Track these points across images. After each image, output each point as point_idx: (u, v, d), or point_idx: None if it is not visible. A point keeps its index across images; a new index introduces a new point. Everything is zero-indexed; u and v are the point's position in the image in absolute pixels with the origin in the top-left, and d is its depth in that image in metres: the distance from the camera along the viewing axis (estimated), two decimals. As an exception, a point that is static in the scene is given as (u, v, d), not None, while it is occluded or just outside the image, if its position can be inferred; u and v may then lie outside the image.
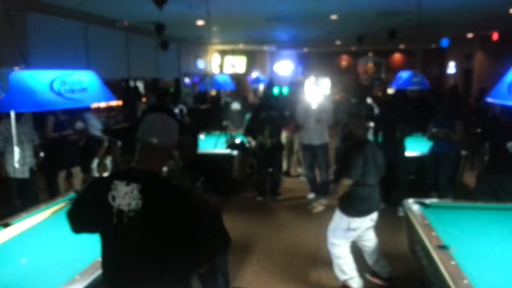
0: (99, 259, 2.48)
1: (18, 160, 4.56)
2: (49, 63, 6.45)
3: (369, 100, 7.38)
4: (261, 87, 14.78)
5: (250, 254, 4.81)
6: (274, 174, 6.95)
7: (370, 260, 4.13)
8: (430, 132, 5.97)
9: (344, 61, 20.87)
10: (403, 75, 9.41)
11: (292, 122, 7.05)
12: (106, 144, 7.86)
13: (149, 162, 1.92)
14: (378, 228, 5.40)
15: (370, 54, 20.31)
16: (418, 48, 19.13)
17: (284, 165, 8.00)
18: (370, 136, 6.25)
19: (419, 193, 5.01)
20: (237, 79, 14.91)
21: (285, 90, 10.73)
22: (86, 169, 7.42)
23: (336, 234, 3.90)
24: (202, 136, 7.91)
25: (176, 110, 9.34)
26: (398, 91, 8.72)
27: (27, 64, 5.55)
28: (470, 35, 13.88)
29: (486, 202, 4.15)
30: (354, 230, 3.87)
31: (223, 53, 17.56)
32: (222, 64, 17.54)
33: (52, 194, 6.01)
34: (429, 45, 17.71)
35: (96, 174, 7.62)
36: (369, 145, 4.03)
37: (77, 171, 6.64)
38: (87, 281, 2.37)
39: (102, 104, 9.39)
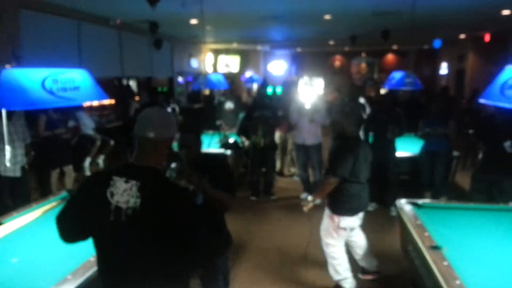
0: (91, 258, 2.48)
1: (10, 158, 4.51)
2: (41, 61, 6.42)
3: (361, 100, 7.41)
4: (255, 86, 14.80)
5: (243, 254, 4.81)
6: (268, 174, 6.95)
7: (357, 256, 4.15)
8: (424, 131, 6.00)
9: (338, 61, 20.92)
10: (396, 75, 9.45)
11: (285, 122, 7.05)
12: (98, 143, 7.82)
13: (148, 158, 1.88)
14: (371, 227, 5.44)
15: (363, 54, 20.37)
16: (411, 48, 19.22)
17: (278, 165, 8.01)
18: (361, 135, 6.28)
19: (412, 193, 5.04)
20: (230, 78, 14.90)
21: (278, 89, 10.75)
22: (79, 168, 7.38)
23: (329, 234, 3.90)
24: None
25: (169, 109, 9.31)
26: (388, 92, 8.77)
27: (19, 62, 5.49)
28: (462, 36, 13.97)
29: (478, 202, 4.17)
30: (345, 229, 3.87)
31: (216, 52, 17.54)
32: (215, 63, 17.52)
33: (43, 193, 5.97)
34: (422, 46, 17.80)
35: (88, 173, 7.58)
36: (360, 141, 4.03)
37: (69, 169, 6.60)
38: (79, 280, 2.35)
39: (95, 103, 9.35)
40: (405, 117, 6.09)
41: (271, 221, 5.97)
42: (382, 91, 9.99)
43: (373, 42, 13.94)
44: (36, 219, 3.44)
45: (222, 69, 17.27)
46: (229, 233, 3.09)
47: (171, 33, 11.96)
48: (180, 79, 14.34)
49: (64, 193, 4.04)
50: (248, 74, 17.01)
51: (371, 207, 6.20)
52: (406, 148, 6.47)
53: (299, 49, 20.16)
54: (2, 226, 3.20)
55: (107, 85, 9.81)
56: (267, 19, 9.54)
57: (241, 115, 7.49)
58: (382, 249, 4.85)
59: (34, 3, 7.00)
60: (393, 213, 5.66)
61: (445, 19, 9.81)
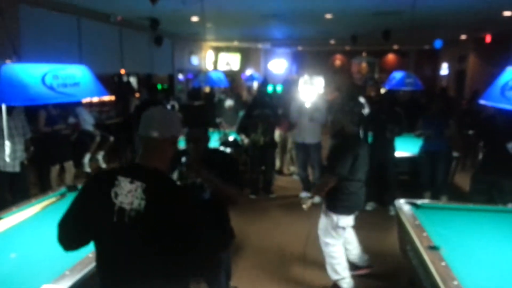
0: (90, 254, 2.48)
1: (9, 154, 4.51)
2: (41, 56, 6.42)
3: (361, 100, 7.41)
4: (255, 84, 14.77)
5: (241, 252, 4.81)
6: (267, 172, 6.96)
7: (348, 252, 4.16)
8: (424, 133, 6.00)
9: (338, 60, 20.91)
10: (397, 75, 9.46)
11: (285, 120, 7.05)
12: (98, 139, 7.82)
13: (153, 158, 1.85)
14: (370, 227, 5.45)
15: (364, 54, 20.36)
16: (411, 49, 19.21)
17: (277, 163, 8.01)
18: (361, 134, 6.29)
19: (411, 193, 5.05)
20: (231, 76, 14.90)
21: (279, 88, 10.73)
22: (78, 164, 7.38)
23: (327, 233, 3.90)
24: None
25: (168, 106, 9.30)
26: (388, 92, 8.77)
27: (19, 57, 5.50)
28: (463, 37, 13.96)
29: (477, 203, 4.18)
30: (344, 228, 3.88)
31: (217, 49, 17.52)
32: (216, 60, 17.50)
33: (43, 189, 5.96)
34: (423, 46, 17.79)
35: (88, 169, 7.58)
36: (360, 140, 4.06)
37: (69, 165, 6.60)
38: (77, 276, 2.35)
39: (95, 99, 9.34)
40: (405, 117, 6.10)
41: (270, 220, 5.97)
42: (382, 91, 9.98)
43: (374, 42, 13.93)
44: (35, 214, 3.44)
45: (222, 66, 17.25)
46: (232, 229, 3.09)
47: (172, 30, 11.95)
48: (180, 76, 14.32)
49: (63, 189, 4.05)
50: (248, 72, 16.99)
51: (370, 206, 6.22)
52: (406, 148, 6.48)
53: (300, 48, 20.15)
54: (1, 221, 3.20)
55: (107, 82, 9.79)
56: (268, 17, 9.54)
57: (241, 113, 7.49)
58: (380, 248, 4.86)
59: (35, -1, 7.00)
60: (392, 213, 5.67)
61: (446, 19, 9.81)
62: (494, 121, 4.94)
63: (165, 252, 1.72)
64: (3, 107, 3.91)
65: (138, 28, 10.37)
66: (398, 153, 6.21)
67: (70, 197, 3.85)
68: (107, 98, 10.02)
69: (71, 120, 6.76)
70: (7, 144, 4.32)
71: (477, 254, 2.94)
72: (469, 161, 8.12)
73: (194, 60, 15.10)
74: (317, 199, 3.93)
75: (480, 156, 5.30)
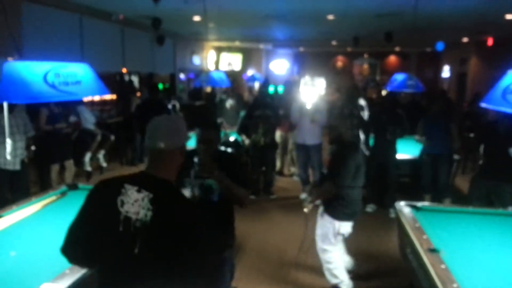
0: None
1: (10, 152, 4.51)
2: (43, 54, 6.42)
3: (361, 102, 7.39)
4: (256, 85, 14.78)
5: (241, 253, 4.81)
6: (267, 173, 6.96)
7: None
8: (421, 139, 6.01)
9: (340, 61, 20.91)
10: (398, 77, 9.47)
11: (286, 121, 7.05)
12: (99, 138, 7.81)
13: (161, 168, 1.83)
14: (370, 229, 5.45)
15: (365, 55, 20.36)
16: (413, 51, 19.21)
17: (278, 164, 8.01)
18: (361, 136, 6.29)
19: (411, 195, 5.04)
20: (232, 76, 14.89)
21: (280, 89, 10.74)
22: (79, 163, 7.38)
23: (326, 240, 3.88)
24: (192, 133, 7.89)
25: (169, 106, 9.31)
26: (389, 94, 8.77)
27: (21, 55, 5.51)
28: (465, 40, 13.96)
29: (477, 206, 4.17)
30: (343, 234, 3.90)
31: (219, 49, 17.53)
32: (218, 60, 17.51)
33: (43, 187, 5.97)
34: (424, 49, 17.79)
35: (88, 168, 7.58)
36: (358, 146, 4.07)
37: (70, 164, 6.60)
38: (77, 275, 2.35)
39: (96, 98, 9.34)
40: (406, 119, 6.10)
41: (270, 221, 5.97)
42: (384, 92, 9.98)
43: (376, 44, 13.93)
44: (35, 213, 3.44)
45: (224, 67, 17.26)
46: (234, 229, 3.10)
47: (174, 30, 11.95)
48: (182, 76, 14.33)
49: (63, 188, 4.05)
50: (250, 72, 17.00)
51: (370, 208, 6.22)
52: (407, 150, 6.47)
53: (301, 49, 20.15)
54: (1, 219, 3.20)
55: (109, 80, 9.80)
56: (270, 18, 9.54)
57: (242, 114, 7.49)
58: (380, 251, 4.86)
59: (37, -4, 7.00)
60: (392, 215, 5.67)
61: (447, 22, 9.81)
62: (496, 126, 4.93)
63: (170, 263, 1.68)
64: (5, 105, 3.92)
65: (140, 27, 10.38)
66: (399, 155, 6.21)
67: (71, 196, 3.88)
68: (109, 97, 10.03)
69: (72, 118, 6.76)
70: (8, 141, 4.33)
71: (477, 257, 2.94)
72: (469, 164, 8.12)
73: (196, 60, 15.11)
74: (318, 201, 3.93)
75: (480, 161, 5.29)
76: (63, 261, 2.42)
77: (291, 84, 10.25)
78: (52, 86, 3.45)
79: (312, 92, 6.73)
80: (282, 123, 7.17)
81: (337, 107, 7.06)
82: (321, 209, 4.00)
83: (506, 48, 11.25)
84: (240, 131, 7.00)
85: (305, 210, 3.88)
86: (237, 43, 16.79)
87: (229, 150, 6.53)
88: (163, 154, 1.83)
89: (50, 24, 7.39)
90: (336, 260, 3.89)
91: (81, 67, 3.86)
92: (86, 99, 7.89)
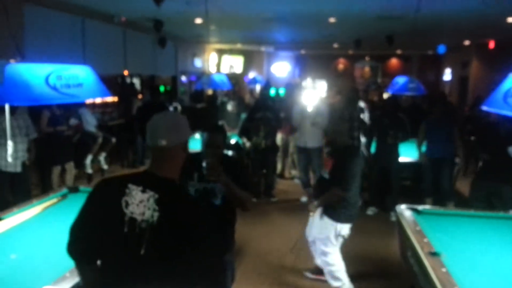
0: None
1: (11, 154, 4.52)
2: (45, 56, 6.43)
3: (361, 104, 7.39)
4: (258, 87, 14.79)
5: (242, 255, 4.80)
6: (268, 176, 6.95)
7: (317, 255, 4.21)
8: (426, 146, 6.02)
9: (341, 64, 20.92)
10: (400, 80, 9.45)
11: (287, 124, 7.05)
12: (100, 140, 7.83)
13: (164, 166, 1.79)
14: (371, 232, 5.44)
15: (367, 58, 20.36)
16: (414, 53, 19.20)
17: (279, 167, 8.00)
18: (362, 140, 6.29)
19: (413, 199, 5.04)
20: (234, 79, 14.90)
21: (281, 91, 10.74)
22: (80, 165, 7.38)
23: (328, 242, 3.88)
24: (197, 135, 7.90)
25: (171, 108, 9.32)
26: (390, 96, 8.77)
27: (23, 57, 5.52)
28: (466, 43, 13.95)
29: (478, 209, 4.17)
30: (343, 236, 3.90)
31: (220, 52, 17.54)
32: (219, 63, 17.53)
33: (44, 190, 5.97)
34: (426, 51, 17.78)
35: (89, 170, 7.59)
36: (359, 149, 4.12)
37: (70, 166, 6.61)
38: (77, 278, 2.34)
39: (98, 100, 9.36)
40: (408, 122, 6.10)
41: (271, 223, 5.96)
42: (385, 95, 9.99)
43: (377, 46, 13.93)
44: (36, 215, 3.44)
45: (225, 69, 17.28)
46: (234, 232, 3.11)
47: (176, 32, 11.97)
48: (183, 78, 14.35)
49: (64, 190, 4.05)
50: (251, 75, 17.02)
51: (371, 211, 6.21)
52: (409, 153, 6.46)
53: (303, 51, 20.16)
54: (2, 221, 3.20)
55: (111, 82, 9.81)
56: (272, 20, 9.55)
57: (243, 116, 7.49)
58: (381, 254, 4.85)
59: (39, -2, 7.02)
60: (393, 218, 5.65)
61: (449, 25, 9.81)
62: (496, 128, 4.93)
63: (176, 264, 1.66)
64: (6, 107, 3.93)
65: (142, 30, 10.40)
66: (401, 159, 6.20)
67: (71, 198, 3.88)
68: (110, 99, 10.04)
69: (74, 121, 6.77)
70: (9, 144, 4.33)
71: (478, 260, 2.93)
72: (470, 167, 8.10)
73: (197, 62, 15.13)
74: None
75: (480, 162, 5.29)
76: (63, 263, 2.44)
77: (292, 87, 10.26)
78: (54, 88, 3.46)
79: (313, 95, 6.74)
80: (283, 126, 7.17)
81: (337, 110, 7.06)
82: (318, 211, 4.02)
83: (508, 51, 11.24)
84: (241, 134, 7.00)
85: (311, 214, 3.88)
86: (238, 46, 16.81)
87: (230, 153, 6.54)
88: (165, 151, 1.79)
89: (52, 26, 7.40)
90: (338, 262, 3.89)
91: (83, 69, 3.87)
92: (88, 101, 7.90)
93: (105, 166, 8.15)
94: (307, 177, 6.79)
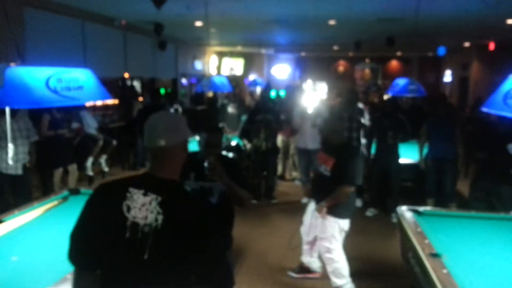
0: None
1: (12, 156, 4.52)
2: (45, 60, 6.44)
3: (360, 105, 7.39)
4: (258, 89, 14.80)
5: (243, 258, 4.80)
6: (269, 178, 6.95)
7: (309, 255, 4.29)
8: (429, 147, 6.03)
9: (341, 66, 20.95)
10: (400, 82, 9.47)
11: (288, 126, 7.05)
12: (101, 142, 7.83)
13: (164, 167, 1.75)
14: (372, 233, 5.44)
15: (367, 60, 20.38)
16: (414, 55, 19.23)
17: (280, 169, 8.00)
18: (363, 141, 6.30)
19: (414, 200, 5.04)
20: (234, 81, 14.91)
21: (282, 93, 10.75)
22: (81, 168, 7.39)
23: (333, 239, 3.91)
24: (197, 137, 7.90)
25: (171, 110, 9.33)
26: (390, 98, 8.78)
27: (24, 60, 5.53)
28: (466, 44, 13.97)
29: (479, 210, 4.16)
30: (345, 231, 3.95)
31: (221, 54, 17.58)
32: (219, 65, 17.56)
33: (45, 192, 5.97)
34: (426, 53, 17.80)
35: (90, 173, 7.59)
36: (359, 148, 4.22)
37: (73, 169, 6.61)
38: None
39: (98, 103, 9.37)
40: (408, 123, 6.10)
41: (271, 225, 5.96)
42: (385, 97, 9.98)
43: (377, 48, 13.95)
44: (37, 217, 3.45)
45: (226, 71, 17.30)
46: (231, 229, 3.12)
47: (176, 35, 12.00)
48: (184, 80, 14.36)
49: (65, 192, 4.05)
50: (251, 77, 17.04)
51: (370, 212, 6.21)
52: (410, 155, 6.46)
53: (303, 54, 20.19)
54: (3, 224, 3.21)
55: (111, 85, 9.83)
56: (272, 23, 9.57)
57: (244, 118, 7.50)
58: (382, 255, 4.85)
59: (39, 2, 7.03)
60: (394, 220, 5.65)
61: (449, 26, 9.82)
62: (495, 128, 4.92)
63: (181, 267, 1.62)
64: (7, 109, 3.93)
65: (142, 33, 10.42)
66: (402, 160, 6.20)
67: (72, 201, 3.89)
68: (111, 101, 10.06)
69: (75, 125, 6.77)
70: (10, 146, 4.34)
71: (479, 262, 2.93)
72: (471, 168, 8.09)
73: (198, 65, 15.15)
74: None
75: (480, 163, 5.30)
76: (64, 266, 2.43)
77: (292, 89, 10.26)
78: (54, 91, 3.47)
79: (314, 97, 6.74)
80: (283, 128, 7.17)
81: (336, 111, 7.07)
82: (313, 208, 4.08)
83: (508, 53, 11.26)
84: (241, 136, 7.02)
85: (321, 216, 3.89)
86: (239, 48, 16.84)
87: (231, 155, 6.54)
88: (165, 152, 1.74)
89: (53, 29, 7.42)
90: (343, 258, 3.92)
91: (83, 72, 3.88)
92: (89, 104, 7.91)
93: (106, 169, 8.16)
94: (308, 179, 6.79)
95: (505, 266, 2.89)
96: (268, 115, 6.65)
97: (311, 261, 4.32)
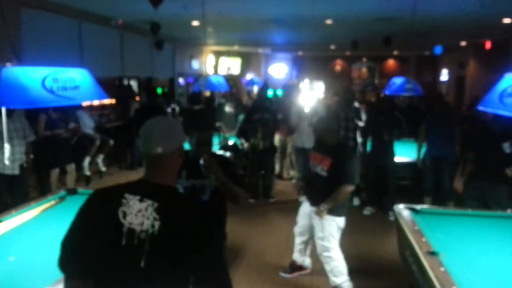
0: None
1: (8, 156, 4.51)
2: (42, 60, 6.42)
3: (356, 104, 7.40)
4: (255, 89, 14.80)
5: (240, 257, 4.80)
6: (266, 177, 6.96)
7: (303, 254, 4.33)
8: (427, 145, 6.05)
9: (338, 65, 20.95)
10: (397, 81, 9.49)
11: (285, 125, 7.06)
12: (98, 142, 7.82)
13: (161, 173, 1.72)
14: (369, 232, 5.45)
15: (364, 59, 20.40)
16: (411, 54, 19.26)
17: (277, 168, 8.01)
18: (359, 139, 6.31)
19: (411, 198, 5.05)
20: (231, 80, 14.91)
21: (279, 92, 10.76)
22: (78, 167, 7.37)
23: (332, 237, 3.91)
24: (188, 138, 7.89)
25: (168, 110, 9.32)
26: (385, 96, 8.80)
27: (20, 60, 5.52)
28: (463, 43, 13.99)
29: (475, 209, 4.18)
30: (342, 228, 3.97)
31: (218, 54, 17.56)
32: (216, 65, 17.55)
33: (42, 192, 5.96)
34: (423, 52, 17.83)
35: (87, 173, 7.58)
36: (355, 148, 4.25)
37: (71, 168, 6.59)
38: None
39: (95, 102, 9.35)
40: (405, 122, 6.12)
41: (269, 224, 5.96)
42: (382, 96, 10.01)
43: (374, 47, 13.96)
44: (34, 217, 3.44)
45: (223, 71, 17.29)
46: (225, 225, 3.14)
47: (173, 35, 11.97)
48: (181, 80, 14.35)
49: (63, 192, 4.05)
50: (249, 76, 17.03)
51: (367, 211, 6.22)
52: (406, 153, 6.47)
53: (300, 53, 20.18)
54: (0, 224, 3.20)
55: (108, 85, 9.81)
56: (269, 22, 9.56)
57: (241, 117, 7.50)
58: (379, 253, 4.86)
59: (36, 1, 7.01)
60: (391, 218, 5.66)
61: (446, 26, 9.84)
62: (490, 126, 4.93)
63: (178, 272, 1.59)
64: (3, 109, 3.92)
65: (139, 32, 10.40)
66: (399, 158, 6.21)
67: (70, 200, 3.88)
68: (108, 101, 10.04)
69: (72, 125, 6.76)
70: (6, 146, 4.33)
71: (476, 259, 2.94)
72: (468, 167, 8.12)
73: (195, 64, 15.14)
74: (326, 205, 3.95)
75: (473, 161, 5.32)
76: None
77: (290, 88, 10.26)
78: (51, 91, 3.46)
79: (311, 96, 6.75)
80: (281, 127, 7.17)
81: (333, 111, 7.08)
82: (309, 208, 4.09)
83: (504, 51, 11.28)
84: (239, 135, 7.02)
85: (321, 216, 3.89)
86: (236, 48, 16.82)
87: (228, 154, 6.55)
88: (161, 159, 1.71)
89: (49, 29, 7.39)
90: (341, 256, 3.93)
91: (80, 72, 3.87)
92: (85, 103, 7.89)
93: (103, 168, 8.15)
94: (299, 176, 6.80)
95: (502, 263, 2.91)
96: (265, 114, 6.65)
97: (304, 259, 4.36)
